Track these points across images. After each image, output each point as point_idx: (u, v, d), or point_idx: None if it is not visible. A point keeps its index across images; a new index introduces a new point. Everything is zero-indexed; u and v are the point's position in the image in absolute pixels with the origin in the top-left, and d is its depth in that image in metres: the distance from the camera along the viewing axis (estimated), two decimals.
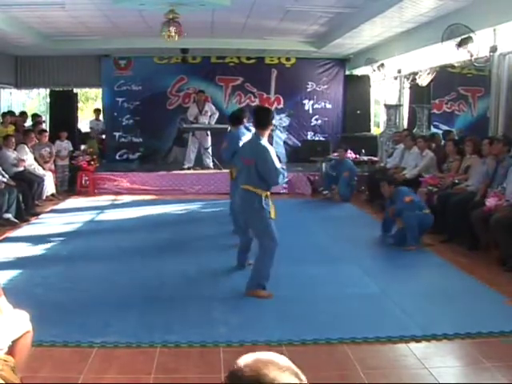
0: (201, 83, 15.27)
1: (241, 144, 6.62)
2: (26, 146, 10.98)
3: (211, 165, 13.46)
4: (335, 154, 12.53)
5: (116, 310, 5.26)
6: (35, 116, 14.24)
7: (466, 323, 4.91)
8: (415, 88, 13.34)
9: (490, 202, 7.17)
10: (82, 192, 12.51)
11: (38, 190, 10.83)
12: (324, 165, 12.77)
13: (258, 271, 5.72)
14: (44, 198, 11.25)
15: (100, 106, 17.05)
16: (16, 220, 9.24)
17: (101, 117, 16.24)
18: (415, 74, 12.62)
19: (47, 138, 12.13)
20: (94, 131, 15.68)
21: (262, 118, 5.73)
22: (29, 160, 10.91)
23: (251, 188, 5.62)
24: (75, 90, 15.77)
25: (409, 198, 7.88)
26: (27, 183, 10.17)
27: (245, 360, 1.46)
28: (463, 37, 8.66)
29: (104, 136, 15.78)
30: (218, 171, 12.84)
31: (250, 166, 5.64)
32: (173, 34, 9.21)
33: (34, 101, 20.44)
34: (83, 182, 12.66)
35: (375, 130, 16.91)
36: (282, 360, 1.47)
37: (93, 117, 16.60)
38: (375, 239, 8.41)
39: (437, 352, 4.42)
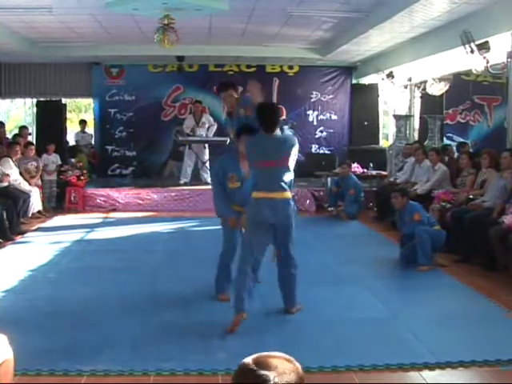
0: (198, 93, 15.33)
1: None
2: (10, 160, 10.96)
3: (209, 180, 13.43)
4: (338, 170, 12.45)
5: (107, 336, 5.22)
6: (23, 128, 14.23)
7: (483, 350, 4.86)
8: (426, 97, 13.39)
9: (509, 219, 7.15)
10: (70, 209, 12.52)
11: (24, 206, 10.81)
12: (329, 180, 12.74)
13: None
14: (30, 215, 11.24)
15: (88, 117, 17.14)
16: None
17: (87, 129, 16.32)
18: (426, 82, 12.66)
19: (33, 151, 12.13)
20: (81, 144, 15.72)
21: (269, 118, 5.56)
22: (14, 175, 10.88)
23: (286, 195, 5.55)
24: (64, 100, 15.76)
25: (418, 216, 7.87)
26: (12, 199, 10.15)
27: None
28: (478, 42, 8.68)
29: (93, 149, 15.82)
30: None
31: (275, 169, 5.50)
32: (168, 40, 9.22)
33: (19, 111, 20.49)
34: (72, 198, 12.65)
35: (384, 143, 16.96)
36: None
37: (79, 128, 16.69)
38: (384, 259, 8.37)
39: (451, 380, 4.38)
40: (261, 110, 5.64)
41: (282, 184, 5.48)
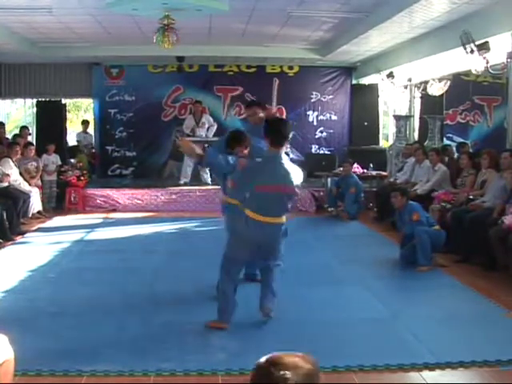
0: (198, 93, 15.33)
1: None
2: (10, 160, 10.95)
3: (209, 180, 13.45)
4: (341, 169, 12.48)
5: (107, 336, 5.23)
6: (23, 128, 14.23)
7: (483, 350, 4.87)
8: (426, 98, 13.38)
9: (509, 219, 7.15)
10: (70, 209, 12.52)
11: (24, 207, 10.80)
12: (329, 180, 12.75)
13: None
14: (30, 215, 11.24)
15: (89, 117, 17.10)
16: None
17: (89, 129, 16.31)
18: (426, 82, 12.66)
19: (33, 151, 12.12)
20: (82, 144, 15.72)
21: (279, 132, 5.48)
22: (14, 175, 10.87)
23: (281, 220, 5.53)
24: (64, 101, 15.76)
25: (416, 216, 7.87)
26: (12, 200, 10.14)
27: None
28: (478, 42, 8.68)
29: (93, 150, 15.83)
30: (216, 187, 12.81)
31: (279, 194, 5.42)
32: (168, 41, 9.22)
33: (19, 111, 20.48)
34: (72, 198, 12.66)
35: (384, 143, 16.95)
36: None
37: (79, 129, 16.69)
38: (384, 259, 8.37)
39: (452, 380, 4.38)
40: (271, 123, 5.59)
41: (282, 210, 5.48)
